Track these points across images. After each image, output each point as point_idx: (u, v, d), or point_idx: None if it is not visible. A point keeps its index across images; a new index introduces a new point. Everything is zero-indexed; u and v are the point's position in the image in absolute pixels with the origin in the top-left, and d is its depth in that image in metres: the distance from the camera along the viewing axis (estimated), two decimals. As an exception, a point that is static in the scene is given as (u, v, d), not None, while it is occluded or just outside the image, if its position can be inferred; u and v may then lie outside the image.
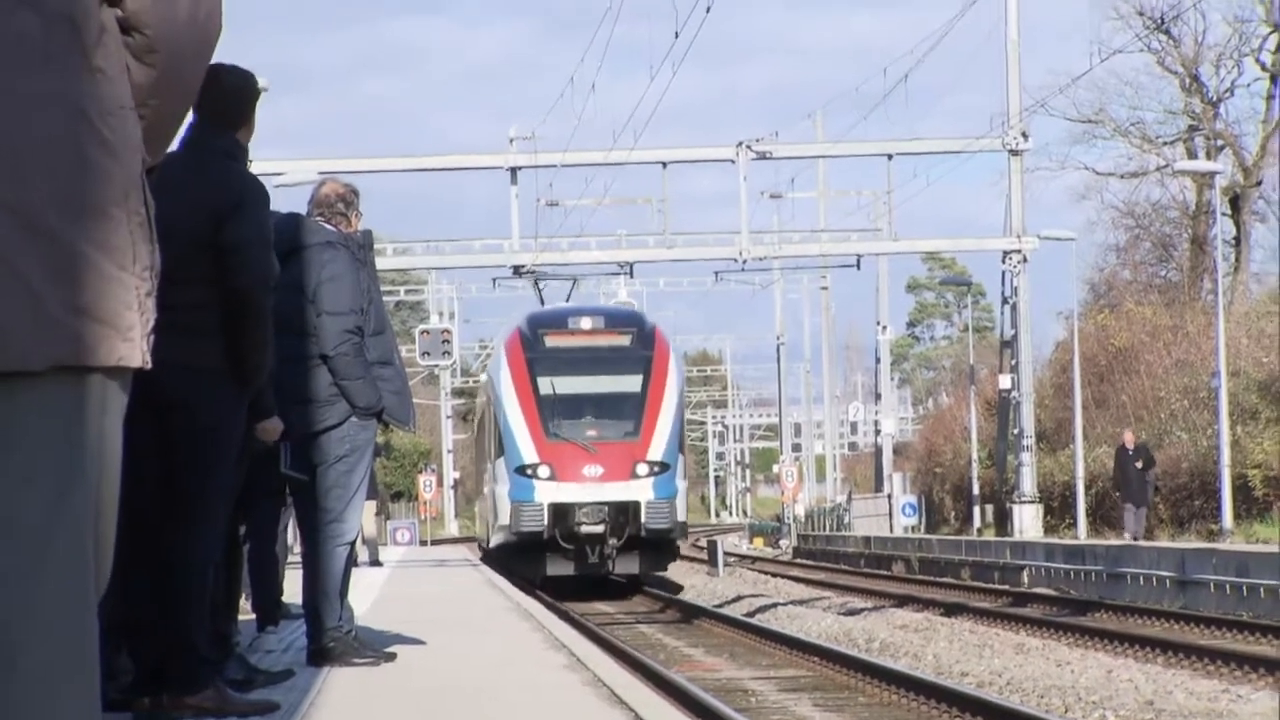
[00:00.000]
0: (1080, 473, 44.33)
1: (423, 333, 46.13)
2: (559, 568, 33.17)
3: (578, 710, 8.26)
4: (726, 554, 48.17)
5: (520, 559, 33.71)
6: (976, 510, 52.64)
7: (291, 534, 15.62)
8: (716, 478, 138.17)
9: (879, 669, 17.87)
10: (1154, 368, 51.40)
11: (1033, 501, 44.19)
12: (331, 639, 10.06)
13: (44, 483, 2.69)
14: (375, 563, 30.67)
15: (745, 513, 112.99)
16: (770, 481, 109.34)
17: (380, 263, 10.65)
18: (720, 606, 31.07)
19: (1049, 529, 45.73)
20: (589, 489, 32.60)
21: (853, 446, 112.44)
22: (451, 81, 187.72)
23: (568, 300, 42.15)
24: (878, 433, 68.21)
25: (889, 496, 59.48)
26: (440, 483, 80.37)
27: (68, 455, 2.71)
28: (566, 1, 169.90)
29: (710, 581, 39.14)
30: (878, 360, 65.41)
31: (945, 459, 63.54)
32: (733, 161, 42.61)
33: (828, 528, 66.39)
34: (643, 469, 32.76)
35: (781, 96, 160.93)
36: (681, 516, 33.37)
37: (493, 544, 35.11)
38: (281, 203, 9.27)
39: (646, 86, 62.09)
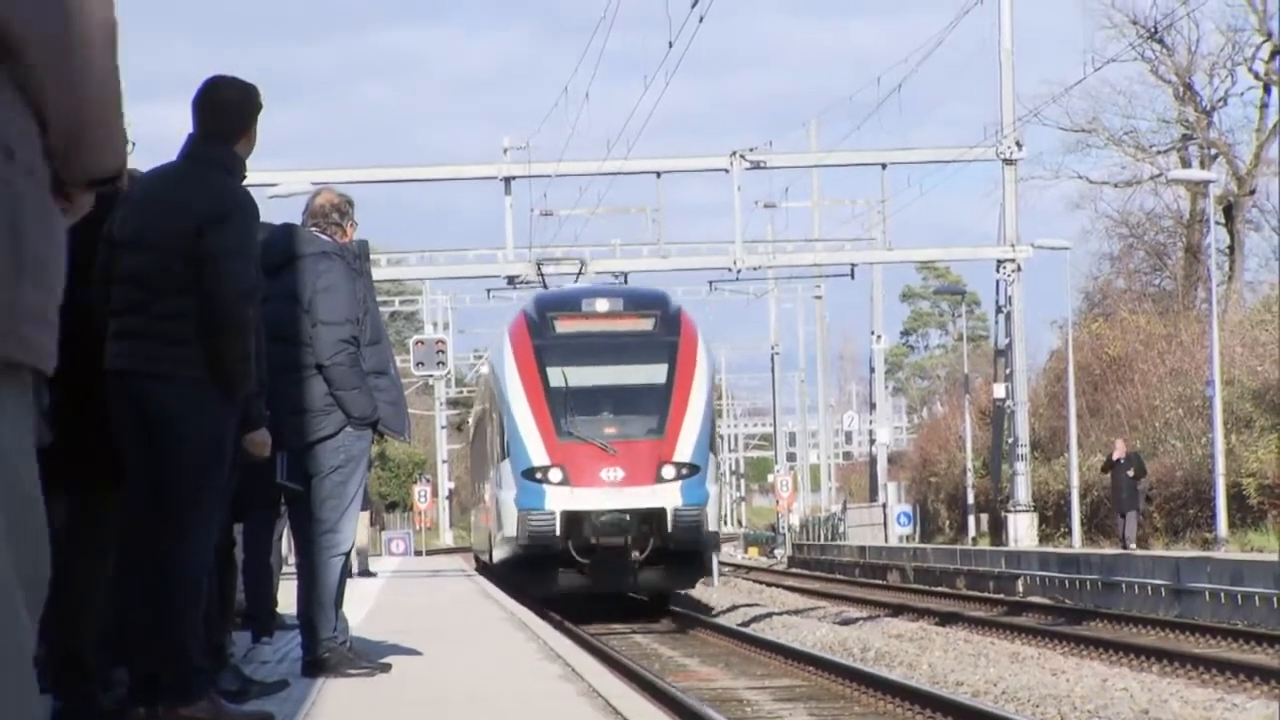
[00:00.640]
0: (1075, 481, 44.33)
1: (417, 343, 46.16)
2: (573, 584, 29.31)
3: (572, 718, 8.26)
4: (721, 563, 48.17)
5: (528, 575, 29.79)
6: (971, 519, 52.63)
7: (286, 544, 15.62)
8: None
9: (874, 678, 17.87)
10: (1148, 376, 51.41)
11: (1027, 510, 44.20)
12: (326, 649, 10.06)
13: None
14: (366, 573, 30.60)
15: (740, 522, 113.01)
16: (765, 491, 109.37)
17: (374, 273, 10.66)
18: (715, 616, 31.07)
19: (1044, 538, 45.73)
20: (607, 494, 28.76)
21: (847, 456, 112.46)
22: (445, 91, 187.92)
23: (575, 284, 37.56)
24: (872, 442, 68.22)
25: (884, 506, 59.48)
26: (435, 493, 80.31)
27: None
28: (560, 11, 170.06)
29: (705, 591, 39.17)
30: (872, 369, 65.44)
31: (940, 468, 63.54)
32: (727, 171, 42.64)
33: (822, 537, 66.41)
34: (669, 471, 28.88)
35: (775, 106, 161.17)
36: (714, 525, 29.57)
37: (496, 558, 31.29)
38: (276, 213, 9.28)
39: (640, 96, 62.21)
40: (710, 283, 50.52)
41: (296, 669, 10.20)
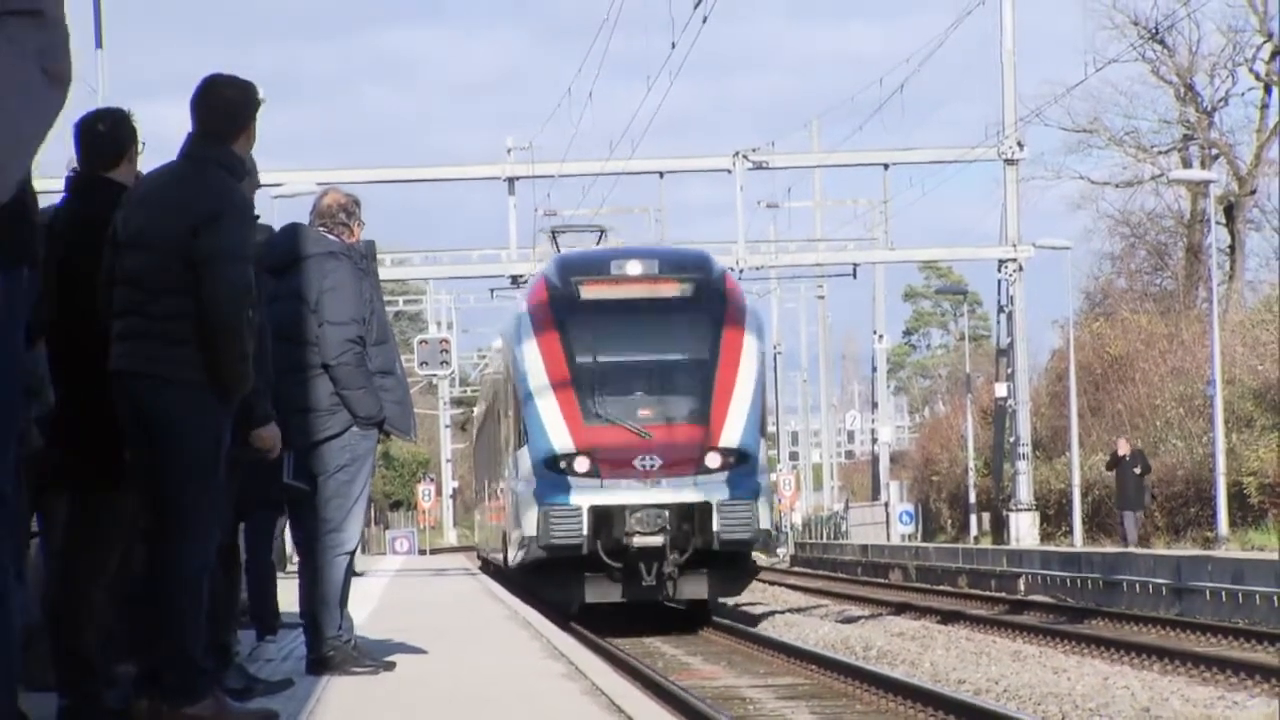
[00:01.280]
0: (1076, 480, 44.32)
1: (421, 342, 46.22)
2: (602, 593, 25.36)
3: (576, 716, 8.26)
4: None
5: (549, 581, 25.78)
6: (973, 518, 52.62)
7: (289, 544, 15.61)
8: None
9: (876, 676, 17.86)
10: (1149, 376, 51.39)
11: (1029, 509, 44.20)
12: (331, 648, 10.05)
13: None
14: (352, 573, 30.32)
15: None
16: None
17: (380, 273, 10.46)
18: (718, 614, 31.07)
19: (1045, 536, 45.71)
20: (643, 488, 24.87)
21: (849, 455, 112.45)
22: (449, 92, 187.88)
23: None
24: (874, 441, 68.23)
25: (886, 505, 59.48)
26: (439, 492, 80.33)
27: None
28: (563, 12, 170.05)
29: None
30: (874, 369, 65.45)
31: (942, 467, 63.52)
32: (729, 171, 42.65)
33: (825, 536, 66.38)
34: (714, 460, 25.01)
35: (778, 106, 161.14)
36: (766, 523, 25.43)
37: (513, 561, 26.81)
38: (280, 213, 9.26)
39: (643, 96, 62.25)
40: (713, 282, 50.44)
41: (301, 667, 10.20)
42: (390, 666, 10.38)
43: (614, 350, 25.83)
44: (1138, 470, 37.85)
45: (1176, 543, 40.72)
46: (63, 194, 8.02)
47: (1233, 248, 60.73)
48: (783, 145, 46.20)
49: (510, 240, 43.00)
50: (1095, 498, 46.69)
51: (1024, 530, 43.52)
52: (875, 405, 66.52)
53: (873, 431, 70.13)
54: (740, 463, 25.04)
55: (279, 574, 14.00)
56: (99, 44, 28.27)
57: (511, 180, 43.11)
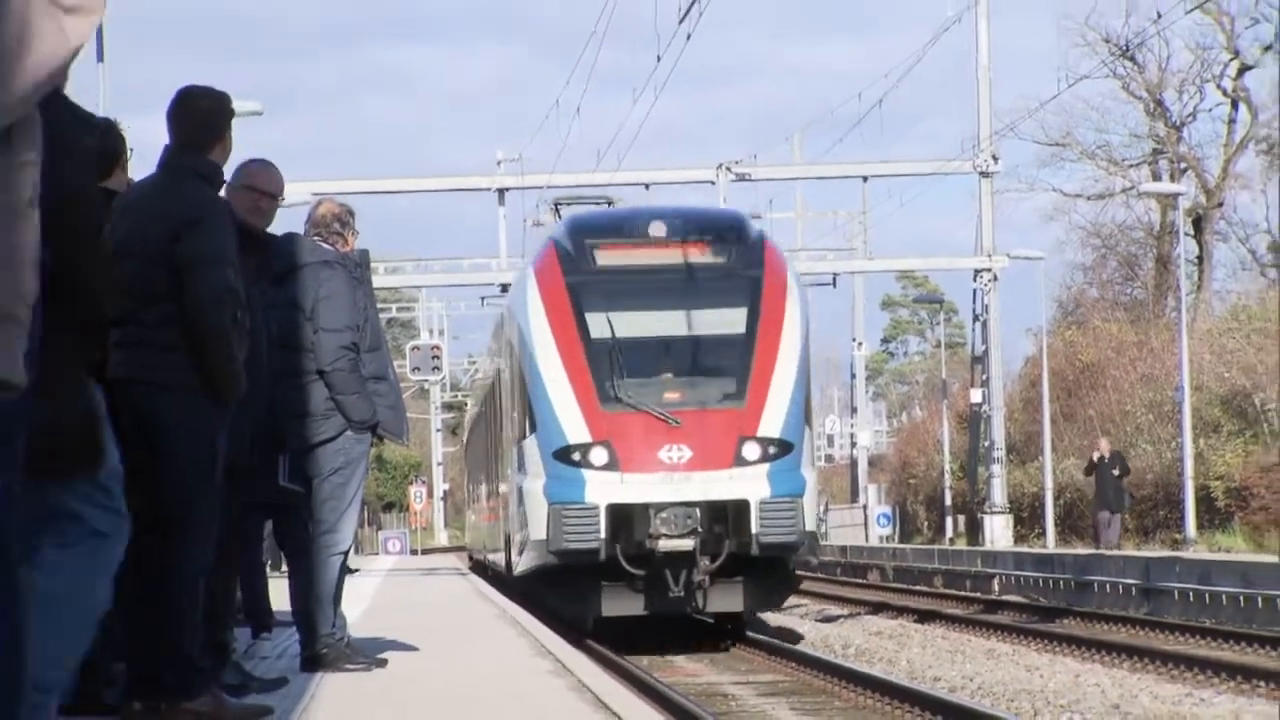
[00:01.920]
0: (1049, 484, 44.39)
1: (413, 349, 46.17)
2: (622, 605, 21.42)
3: (563, 714, 8.26)
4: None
5: (560, 592, 21.81)
6: (949, 520, 52.64)
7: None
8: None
9: (854, 674, 17.87)
10: (1120, 382, 51.47)
11: (1003, 512, 44.23)
12: (325, 645, 10.05)
13: None
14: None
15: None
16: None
17: (373, 281, 10.01)
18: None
19: (1019, 538, 45.76)
20: (670, 482, 20.94)
21: (829, 458, 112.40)
22: (441, 105, 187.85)
23: None
24: (853, 445, 68.24)
25: (864, 507, 59.48)
26: (430, 494, 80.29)
27: None
28: (552, 27, 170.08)
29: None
30: (853, 375, 65.42)
31: (919, 470, 63.57)
32: (713, 183, 42.67)
33: (805, 537, 66.27)
34: (753, 450, 21.12)
35: (760, 120, 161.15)
36: (812, 524, 21.53)
37: (518, 568, 22.67)
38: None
39: (629, 109, 62.15)
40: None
41: (295, 665, 10.18)
42: (382, 663, 10.38)
43: (636, 324, 21.91)
44: (1116, 472, 37.80)
45: (1146, 544, 40.77)
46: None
47: (1201, 258, 60.86)
48: (765, 158, 46.19)
49: (500, 249, 42.99)
50: (1067, 500, 46.76)
51: (998, 532, 43.55)
52: (854, 410, 66.55)
53: (852, 436, 70.16)
54: (782, 454, 21.19)
55: (272, 573, 13.99)
56: (100, 58, 28.29)
57: (502, 191, 43.12)
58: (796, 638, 28.34)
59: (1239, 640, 22.45)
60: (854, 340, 63.06)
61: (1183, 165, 61.42)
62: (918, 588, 39.97)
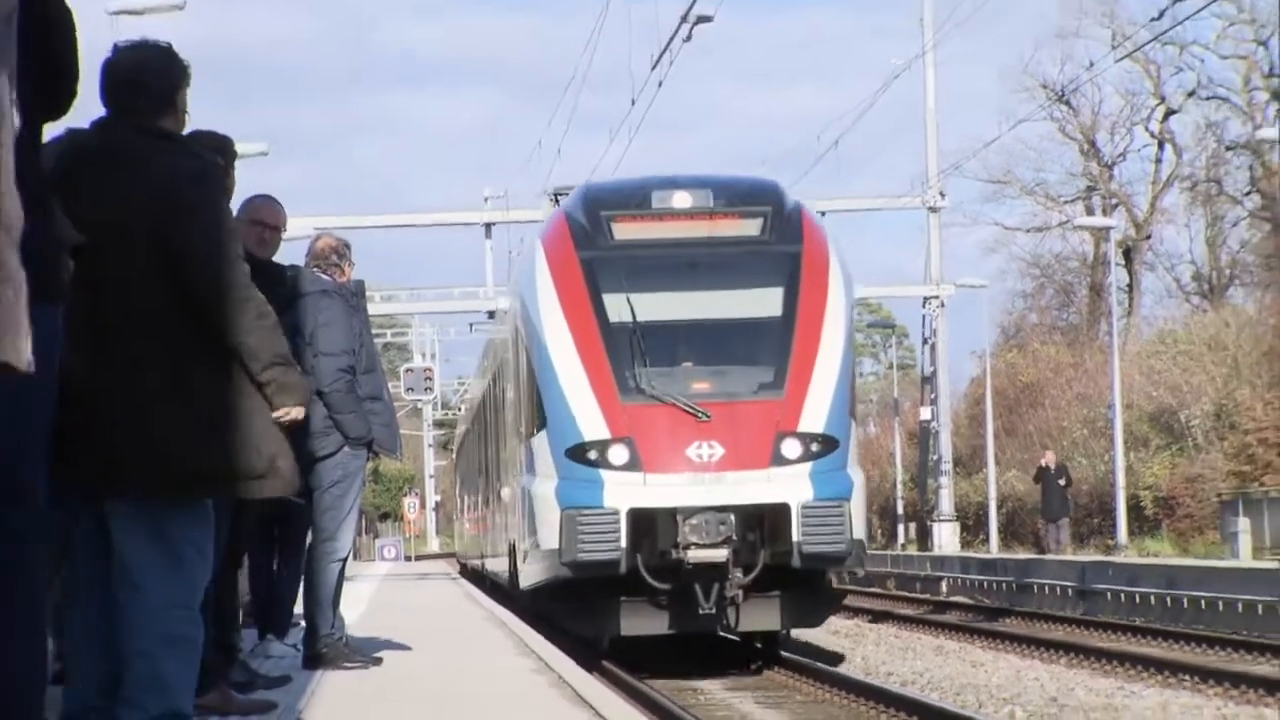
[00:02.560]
0: (993, 494, 44.53)
1: (407, 371, 46.15)
2: (643, 623, 17.62)
3: (545, 708, 8.26)
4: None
5: (573, 607, 17.92)
6: (900, 528, 52.68)
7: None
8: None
9: (813, 669, 17.85)
10: (1057, 400, 51.61)
11: (950, 520, 44.26)
12: (324, 645, 10.04)
13: None
14: None
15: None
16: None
17: (369, 309, 9.54)
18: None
19: (965, 544, 45.81)
20: (699, 484, 17.14)
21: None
22: (430, 146, 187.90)
23: None
24: (813, 459, 68.15)
25: (823, 515, 59.39)
26: (423, 505, 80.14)
27: None
28: (534, 73, 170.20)
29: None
30: (812, 394, 65.41)
31: (873, 482, 63.56)
32: (683, 218, 42.63)
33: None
34: (793, 448, 17.33)
35: (728, 159, 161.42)
36: (860, 532, 17.72)
37: (525, 582, 18.70)
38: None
39: (606, 148, 62.01)
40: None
41: (298, 663, 10.17)
42: (378, 662, 10.37)
43: (659, 306, 18.06)
44: (1061, 481, 37.77)
45: (1081, 549, 40.84)
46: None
47: (1131, 286, 61.17)
48: (731, 195, 46.15)
49: (487, 279, 42.96)
50: (1009, 509, 46.85)
51: (946, 538, 43.58)
52: (813, 427, 66.48)
53: (811, 450, 70.11)
54: (826, 451, 17.47)
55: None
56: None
57: (488, 225, 43.08)
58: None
59: (1166, 638, 22.50)
60: (813, 362, 63.05)
61: (1114, 201, 61.73)
62: (872, 590, 39.98)
